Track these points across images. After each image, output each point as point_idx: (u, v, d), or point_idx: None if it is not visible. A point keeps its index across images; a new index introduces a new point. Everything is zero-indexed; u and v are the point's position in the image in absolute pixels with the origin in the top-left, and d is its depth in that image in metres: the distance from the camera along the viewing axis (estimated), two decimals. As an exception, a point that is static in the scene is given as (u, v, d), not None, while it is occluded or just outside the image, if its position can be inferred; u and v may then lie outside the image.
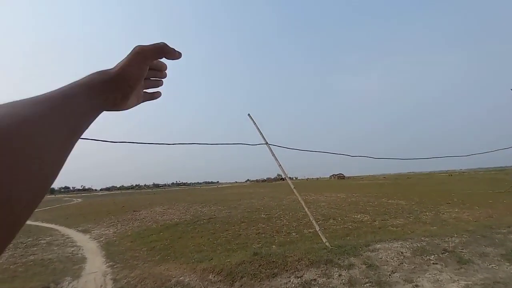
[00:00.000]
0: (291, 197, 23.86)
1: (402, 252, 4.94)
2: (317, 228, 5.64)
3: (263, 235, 8.96)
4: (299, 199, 6.16)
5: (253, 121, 7.41)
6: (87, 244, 9.65)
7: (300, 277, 4.06)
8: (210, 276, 4.69)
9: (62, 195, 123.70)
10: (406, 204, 14.86)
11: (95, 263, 7.01)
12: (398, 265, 4.42)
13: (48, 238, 11.10)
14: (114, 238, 10.28)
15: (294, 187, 6.36)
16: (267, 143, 7.23)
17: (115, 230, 12.18)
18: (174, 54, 0.42)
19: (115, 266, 6.49)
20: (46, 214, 23.52)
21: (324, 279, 3.93)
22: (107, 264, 6.82)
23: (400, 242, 5.52)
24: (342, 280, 3.86)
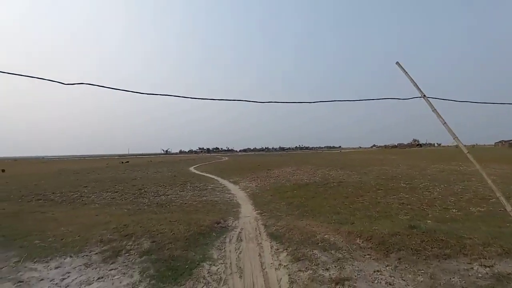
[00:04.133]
0: (438, 166, 19.54)
1: None
2: (509, 209, 4.13)
3: (408, 206, 7.79)
4: (478, 168, 4.63)
5: (404, 70, 6.06)
6: (238, 193, 11.81)
7: (489, 267, 3.14)
8: (358, 240, 4.51)
9: (215, 154, 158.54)
10: None
11: (247, 209, 8.44)
12: None
13: (212, 185, 14.46)
14: (257, 191, 12.02)
15: (468, 152, 4.84)
16: (424, 95, 5.78)
17: (257, 184, 14.23)
18: None
19: (263, 214, 7.54)
20: (207, 167, 30.85)
21: (534, 278, 2.85)
22: (256, 211, 8.03)
23: None
24: None
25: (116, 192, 12.91)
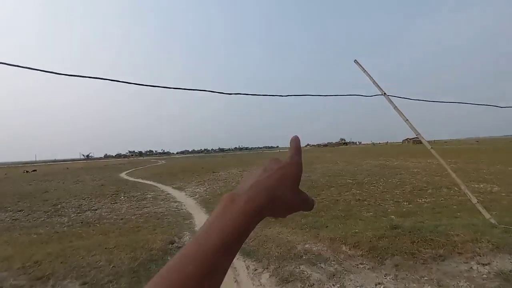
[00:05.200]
0: (370, 162, 21.91)
1: None
2: (474, 201, 4.33)
3: (365, 202, 8.00)
4: (442, 163, 4.81)
5: (363, 68, 6.04)
6: (186, 200, 10.44)
7: (487, 265, 3.03)
8: (344, 248, 4.06)
9: (148, 157, 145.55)
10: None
11: (202, 219, 7.32)
12: None
13: (152, 193, 12.55)
14: (208, 196, 10.87)
15: (431, 147, 5.01)
16: (384, 93, 5.85)
17: (205, 188, 13.00)
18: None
19: (223, 224, 6.58)
20: (142, 173, 27.50)
21: (534, 272, 2.81)
22: (214, 221, 7.00)
23: None
24: None
25: (20, 211, 9.90)
